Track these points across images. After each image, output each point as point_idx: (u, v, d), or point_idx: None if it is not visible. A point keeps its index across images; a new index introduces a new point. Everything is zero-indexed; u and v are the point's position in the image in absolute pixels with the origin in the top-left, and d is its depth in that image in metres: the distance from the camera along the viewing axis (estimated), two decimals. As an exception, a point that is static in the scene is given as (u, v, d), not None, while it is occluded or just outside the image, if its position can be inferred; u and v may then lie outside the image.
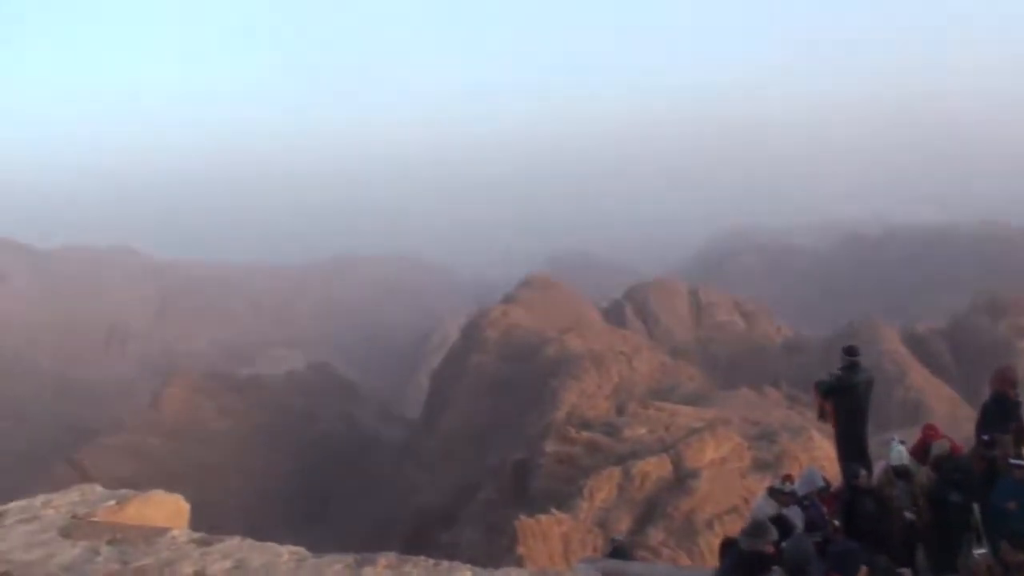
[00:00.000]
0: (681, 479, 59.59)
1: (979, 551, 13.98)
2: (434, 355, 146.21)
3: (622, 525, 55.98)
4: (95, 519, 8.40)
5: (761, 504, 14.58)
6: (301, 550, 6.69)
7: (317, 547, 6.81)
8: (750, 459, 63.07)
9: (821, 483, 14.98)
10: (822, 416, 18.42)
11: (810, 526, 14.05)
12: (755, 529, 11.99)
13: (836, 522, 14.61)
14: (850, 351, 17.99)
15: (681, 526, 56.70)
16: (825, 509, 14.63)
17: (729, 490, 58.83)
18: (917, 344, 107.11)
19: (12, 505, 8.98)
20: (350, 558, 6.33)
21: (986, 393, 19.08)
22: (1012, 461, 15.30)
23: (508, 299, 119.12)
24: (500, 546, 54.82)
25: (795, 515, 13.86)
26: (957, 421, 69.27)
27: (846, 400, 17.74)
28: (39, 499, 9.25)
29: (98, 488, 9.68)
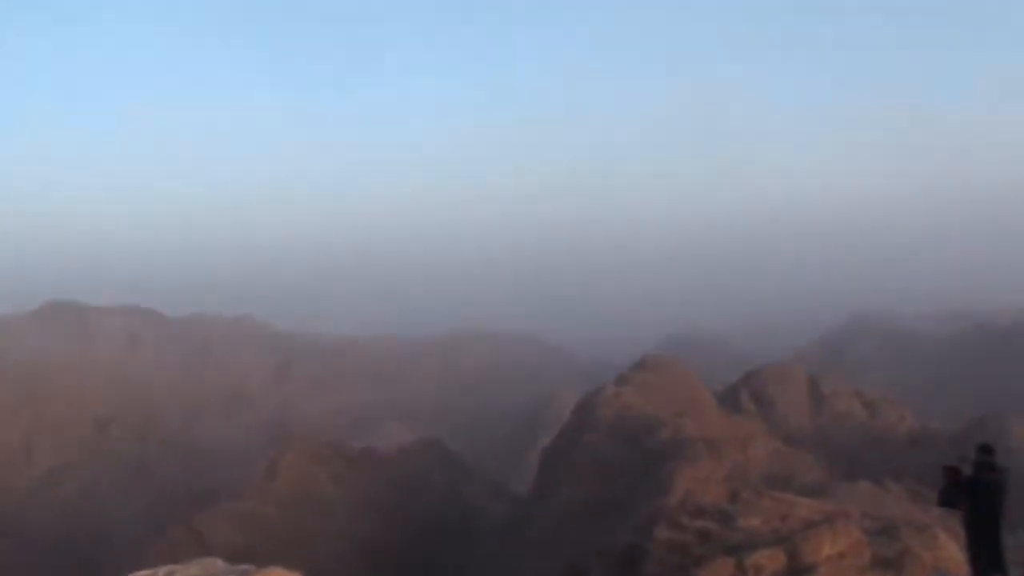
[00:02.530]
0: (797, 573, 57.52)
1: None
2: (545, 434, 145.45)
3: (734, 619, 54.28)
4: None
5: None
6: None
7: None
8: (870, 556, 60.56)
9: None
10: (944, 503, 17.59)
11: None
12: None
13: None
14: (986, 449, 17.29)
15: (797, 623, 54.68)
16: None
17: (848, 587, 56.59)
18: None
19: (138, 575, 9.04)
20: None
21: None
22: None
23: (622, 380, 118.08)
24: (607, 633, 53.60)
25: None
26: (1096, 526, 65.45)
27: (979, 500, 16.99)
28: (163, 570, 9.28)
29: (219, 562, 9.70)
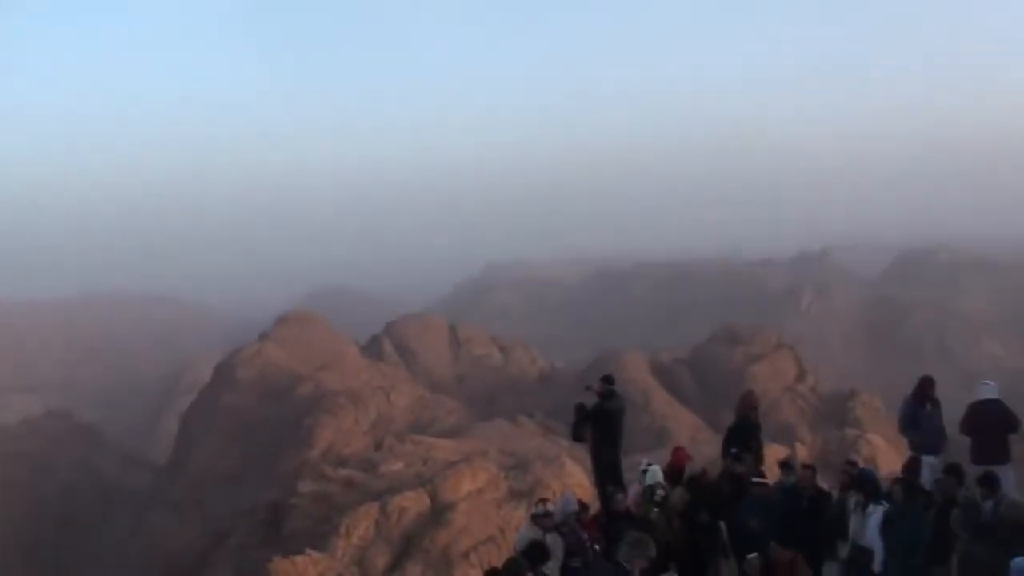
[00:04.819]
0: (438, 512, 59.29)
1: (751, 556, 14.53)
2: (185, 397, 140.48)
3: (380, 561, 55.14)
4: None
5: (524, 531, 14.51)
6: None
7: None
8: (506, 489, 63.54)
9: (575, 506, 15.02)
10: (577, 437, 18.69)
11: (570, 551, 14.03)
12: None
13: (596, 547, 14.68)
14: (608, 379, 18.47)
15: (439, 560, 56.37)
16: (586, 535, 14.66)
17: (486, 521, 59.00)
18: (662, 372, 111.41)
19: None
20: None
21: (725, 417, 19.92)
22: (754, 479, 15.97)
23: (263, 337, 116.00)
24: (254, 591, 52.78)
25: (555, 542, 13.79)
26: (699, 444, 72.24)
27: (603, 426, 18.11)
28: None
29: None
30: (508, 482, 64.07)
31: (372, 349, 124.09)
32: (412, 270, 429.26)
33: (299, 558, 51.44)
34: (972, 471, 15.57)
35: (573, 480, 60.60)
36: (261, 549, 59.82)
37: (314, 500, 63.47)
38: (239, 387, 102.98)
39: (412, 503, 58.91)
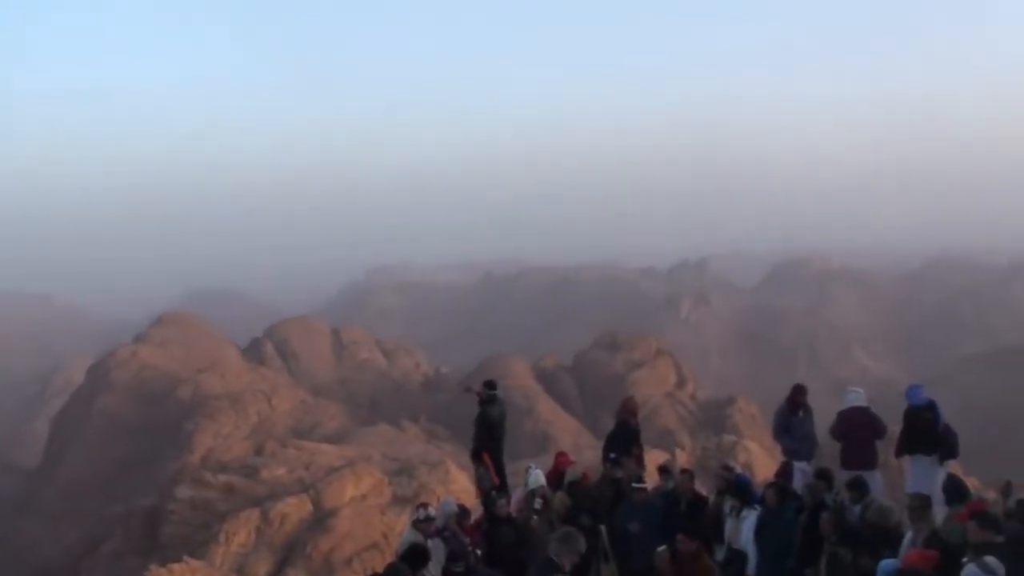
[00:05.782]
0: (321, 518, 58.71)
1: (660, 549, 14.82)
2: (56, 399, 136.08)
3: (261, 569, 54.31)
4: None
5: (406, 536, 14.57)
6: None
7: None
8: (390, 495, 63.32)
9: (455, 508, 15.14)
10: (476, 455, 18.71)
11: (452, 556, 14.15)
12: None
13: (478, 552, 14.83)
14: (490, 385, 18.69)
15: (321, 566, 55.81)
16: (468, 540, 14.78)
17: (369, 527, 58.64)
18: (545, 378, 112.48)
19: None
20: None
21: (607, 422, 20.29)
22: (634, 484, 16.32)
23: (139, 338, 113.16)
24: (128, 601, 51.50)
25: (437, 546, 13.89)
26: (581, 449, 73.26)
27: (488, 430, 18.31)
28: None
29: None
30: (392, 488, 63.86)
31: (253, 352, 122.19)
32: (293, 273, 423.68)
33: (176, 566, 50.28)
34: (841, 476, 16.18)
35: (457, 486, 60.74)
36: (137, 557, 58.43)
37: (193, 506, 62.14)
38: (114, 389, 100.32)
39: (294, 509, 58.20)
